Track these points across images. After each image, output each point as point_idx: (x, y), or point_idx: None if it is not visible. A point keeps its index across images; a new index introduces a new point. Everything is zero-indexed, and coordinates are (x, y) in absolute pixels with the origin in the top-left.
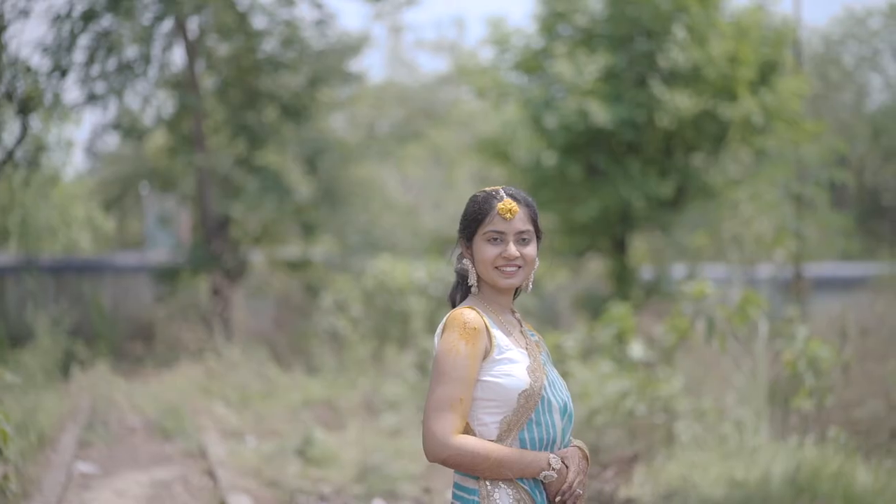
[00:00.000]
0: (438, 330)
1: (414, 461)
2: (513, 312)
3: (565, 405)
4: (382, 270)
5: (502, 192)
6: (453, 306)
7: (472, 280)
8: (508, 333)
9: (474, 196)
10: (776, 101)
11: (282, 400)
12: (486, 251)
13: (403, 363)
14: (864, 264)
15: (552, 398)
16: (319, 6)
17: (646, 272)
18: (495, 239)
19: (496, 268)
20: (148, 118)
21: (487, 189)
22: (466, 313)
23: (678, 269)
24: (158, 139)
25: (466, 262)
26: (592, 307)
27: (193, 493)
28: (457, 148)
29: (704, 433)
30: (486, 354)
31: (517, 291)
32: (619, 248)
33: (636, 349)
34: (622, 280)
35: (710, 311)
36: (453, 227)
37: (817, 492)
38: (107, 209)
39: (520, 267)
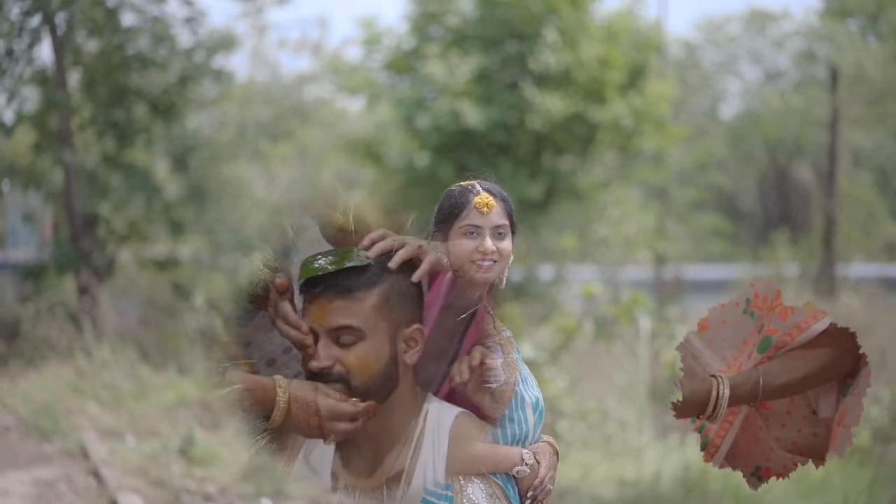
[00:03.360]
0: None
1: None
2: None
3: (537, 401)
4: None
5: (478, 187)
6: None
7: None
8: None
9: (450, 190)
10: (644, 104)
11: (155, 399)
12: (463, 245)
13: None
14: (729, 267)
15: (525, 394)
16: (190, 4)
17: (514, 273)
18: (471, 233)
19: (472, 262)
20: (10, 115)
21: (463, 183)
22: None
23: (545, 271)
24: (23, 135)
25: None
26: None
27: (79, 492)
28: (323, 148)
29: (588, 433)
30: None
31: (491, 287)
32: None
33: (525, 349)
34: None
35: (598, 312)
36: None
37: (707, 491)
38: None
39: (496, 261)
